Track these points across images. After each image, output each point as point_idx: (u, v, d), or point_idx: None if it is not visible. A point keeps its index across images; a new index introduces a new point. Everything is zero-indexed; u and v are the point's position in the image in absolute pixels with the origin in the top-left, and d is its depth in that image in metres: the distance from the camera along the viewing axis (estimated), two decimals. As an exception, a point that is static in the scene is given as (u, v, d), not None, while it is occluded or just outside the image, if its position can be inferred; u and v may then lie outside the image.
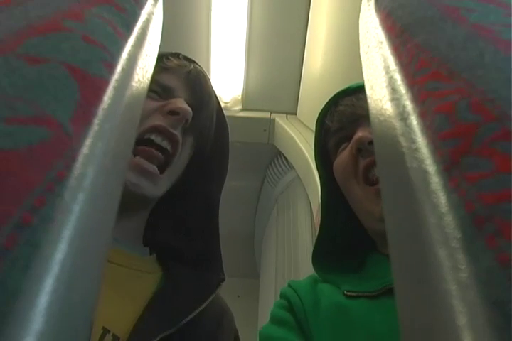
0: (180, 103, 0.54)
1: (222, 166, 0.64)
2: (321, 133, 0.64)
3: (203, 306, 0.51)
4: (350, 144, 0.56)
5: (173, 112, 0.53)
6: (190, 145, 0.58)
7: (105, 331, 0.44)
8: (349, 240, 0.62)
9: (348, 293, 0.52)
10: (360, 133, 0.54)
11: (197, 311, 0.50)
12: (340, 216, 0.62)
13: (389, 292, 0.47)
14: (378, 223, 0.52)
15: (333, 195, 0.62)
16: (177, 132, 0.54)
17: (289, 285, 0.59)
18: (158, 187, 0.53)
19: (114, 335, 0.44)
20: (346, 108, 0.59)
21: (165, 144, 0.53)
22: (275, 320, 0.55)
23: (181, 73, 0.58)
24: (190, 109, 0.54)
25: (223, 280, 0.57)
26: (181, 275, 0.56)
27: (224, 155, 0.64)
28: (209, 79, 0.63)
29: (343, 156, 0.57)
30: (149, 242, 0.59)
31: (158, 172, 0.53)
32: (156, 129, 0.52)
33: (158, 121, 0.53)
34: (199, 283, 0.56)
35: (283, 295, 0.58)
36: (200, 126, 0.58)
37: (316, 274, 0.61)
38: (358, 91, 0.59)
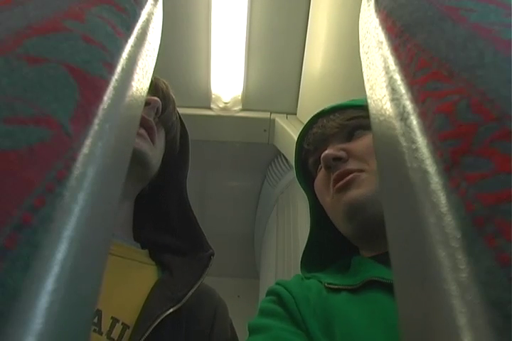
0: (149, 96, 0.61)
1: (188, 158, 0.73)
2: (301, 154, 0.71)
3: (201, 280, 0.57)
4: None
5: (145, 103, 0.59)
6: (163, 136, 0.66)
7: (114, 321, 0.46)
8: (335, 247, 0.68)
9: (329, 286, 0.54)
10: (325, 152, 0.60)
11: (196, 286, 0.55)
12: (326, 227, 0.67)
13: (368, 285, 0.50)
14: (346, 225, 0.57)
15: (318, 209, 0.68)
16: (151, 119, 0.61)
17: (277, 284, 0.61)
18: (152, 148, 0.59)
19: (123, 324, 0.47)
20: (318, 130, 0.66)
21: (141, 132, 0.59)
22: (264, 312, 0.56)
23: None
24: (159, 100, 0.61)
25: (213, 254, 0.63)
26: (174, 263, 0.61)
27: (188, 149, 0.74)
28: (167, 85, 0.70)
29: (321, 174, 0.64)
30: (137, 239, 0.63)
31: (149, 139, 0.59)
32: None
33: None
34: (192, 263, 0.61)
35: (271, 292, 0.60)
36: (168, 120, 0.67)
37: (301, 274, 0.65)
38: (331, 112, 0.66)
